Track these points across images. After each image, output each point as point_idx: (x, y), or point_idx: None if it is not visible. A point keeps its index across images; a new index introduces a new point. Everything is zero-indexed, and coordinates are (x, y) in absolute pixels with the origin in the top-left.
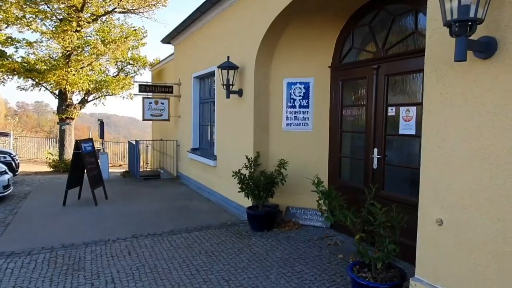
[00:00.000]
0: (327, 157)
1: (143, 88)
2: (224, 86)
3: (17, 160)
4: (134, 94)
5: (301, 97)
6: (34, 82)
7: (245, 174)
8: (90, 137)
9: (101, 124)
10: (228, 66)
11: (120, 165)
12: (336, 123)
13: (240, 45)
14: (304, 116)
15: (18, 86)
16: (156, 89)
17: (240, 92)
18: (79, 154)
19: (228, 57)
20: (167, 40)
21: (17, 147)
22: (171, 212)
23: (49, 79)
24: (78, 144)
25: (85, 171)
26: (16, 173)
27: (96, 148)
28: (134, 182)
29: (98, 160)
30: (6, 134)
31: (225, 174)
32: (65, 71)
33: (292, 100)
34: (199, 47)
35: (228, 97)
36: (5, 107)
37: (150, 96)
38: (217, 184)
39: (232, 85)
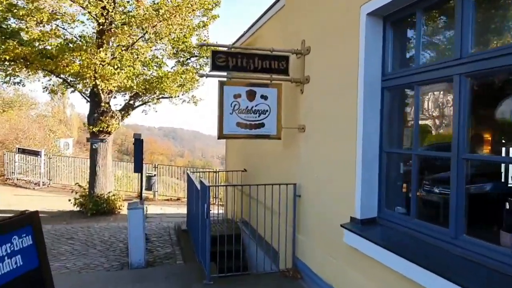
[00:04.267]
0: None
1: (223, 59)
2: None
3: None
4: (206, 75)
5: None
6: (60, 80)
7: None
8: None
9: (137, 141)
10: None
11: (178, 199)
12: None
13: None
14: None
15: (45, 87)
16: (251, 65)
17: None
18: None
19: None
20: None
21: (51, 170)
22: None
23: (65, 68)
24: None
25: None
26: None
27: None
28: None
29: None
30: (36, 153)
31: None
32: (92, 53)
33: None
34: None
35: None
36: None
37: (238, 81)
38: None
39: None
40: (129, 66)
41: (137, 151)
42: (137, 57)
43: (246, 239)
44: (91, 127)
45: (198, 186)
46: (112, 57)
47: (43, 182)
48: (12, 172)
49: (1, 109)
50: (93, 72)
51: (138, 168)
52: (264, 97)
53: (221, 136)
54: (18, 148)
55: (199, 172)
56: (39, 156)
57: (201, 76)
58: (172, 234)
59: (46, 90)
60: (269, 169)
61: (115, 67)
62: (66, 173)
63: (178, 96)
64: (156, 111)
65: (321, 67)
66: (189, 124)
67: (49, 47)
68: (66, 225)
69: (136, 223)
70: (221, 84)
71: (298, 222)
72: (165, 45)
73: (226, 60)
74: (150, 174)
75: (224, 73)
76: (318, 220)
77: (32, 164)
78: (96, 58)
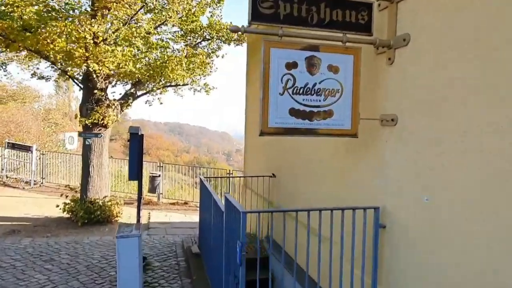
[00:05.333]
0: None
1: (269, 4)
2: None
3: None
4: (242, 30)
5: None
6: (48, 62)
7: None
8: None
9: (134, 137)
10: None
11: (185, 203)
12: None
13: None
14: None
15: (33, 73)
16: (313, 16)
17: None
18: None
19: None
20: None
21: (44, 167)
22: None
23: (49, 44)
24: None
25: None
26: None
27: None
28: None
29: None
30: (27, 148)
31: None
32: (80, 24)
33: None
34: None
35: None
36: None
37: (293, 42)
38: None
39: None
40: (127, 42)
41: (134, 151)
42: (138, 34)
43: (276, 267)
44: (83, 118)
45: (223, 208)
46: (107, 32)
47: (34, 181)
48: (3, 169)
49: (3, 101)
50: (84, 50)
51: (134, 175)
52: (333, 68)
53: (265, 130)
54: (8, 143)
55: (213, 178)
56: (30, 151)
57: (235, 31)
58: (180, 256)
59: (35, 76)
60: (320, 179)
61: (111, 43)
62: (63, 171)
63: (187, 83)
64: (161, 103)
65: (438, 18)
66: (195, 119)
67: (25, 17)
68: (49, 239)
69: (128, 256)
70: (267, 46)
71: (382, 269)
72: (171, 19)
73: (275, 6)
74: (154, 174)
75: (265, 31)
76: (434, 279)
77: (23, 161)
78: (87, 32)
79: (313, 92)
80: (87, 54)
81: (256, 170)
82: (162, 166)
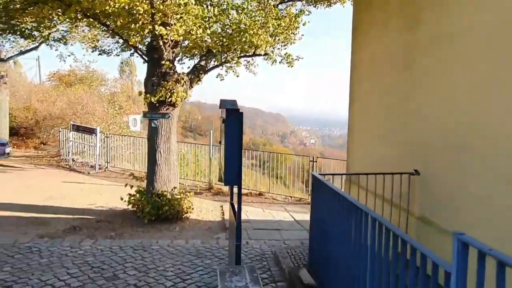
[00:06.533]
0: None
1: None
2: None
3: None
4: None
5: None
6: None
7: None
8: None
9: (231, 112)
10: None
11: (260, 194)
12: None
13: None
14: None
15: (93, 47)
16: None
17: None
18: None
19: None
20: None
21: (109, 151)
22: None
23: (106, 1)
24: None
25: None
26: None
27: None
28: None
29: None
30: (91, 131)
31: None
32: None
33: None
34: None
35: None
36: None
37: None
38: None
39: None
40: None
41: (232, 138)
42: None
43: None
44: (148, 95)
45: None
46: None
47: (99, 166)
48: (68, 152)
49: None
50: (149, 7)
51: (233, 176)
52: None
53: None
54: (72, 125)
55: (329, 175)
56: (94, 134)
57: None
58: (279, 279)
59: (96, 50)
60: None
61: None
62: (127, 154)
63: (267, 53)
64: (237, 75)
65: None
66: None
67: None
68: (113, 243)
69: None
70: None
71: None
72: None
73: None
74: None
75: None
76: None
77: (88, 144)
78: None
79: None
80: (152, 11)
81: (369, 163)
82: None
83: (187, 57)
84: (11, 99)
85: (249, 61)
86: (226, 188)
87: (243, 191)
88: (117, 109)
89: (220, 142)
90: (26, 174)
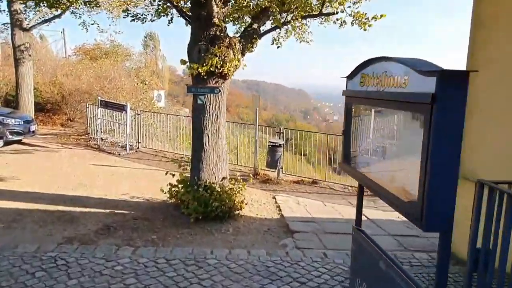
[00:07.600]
0: None
1: None
2: None
3: None
4: None
5: None
6: None
7: None
8: None
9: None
10: None
11: (314, 182)
12: None
13: None
14: None
15: (124, 10)
16: None
17: None
18: None
19: None
20: None
21: (139, 129)
22: None
23: None
24: None
25: None
26: None
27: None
28: None
29: None
30: (121, 108)
31: None
32: None
33: None
34: None
35: None
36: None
37: None
38: None
39: None
40: None
41: (448, 134)
42: None
43: None
44: (194, 65)
45: None
46: None
47: (130, 146)
48: (97, 131)
49: (96, 58)
50: None
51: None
52: None
53: None
54: (100, 101)
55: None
56: (124, 111)
57: None
58: None
59: (127, 16)
60: None
61: None
62: (159, 132)
63: (336, 12)
64: (300, 41)
65: None
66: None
67: None
68: (157, 251)
69: None
70: None
71: None
72: None
73: None
74: (274, 144)
75: None
76: None
77: (117, 122)
78: None
79: None
80: None
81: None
82: (283, 132)
83: (231, 20)
84: (37, 73)
85: (302, 26)
86: (273, 175)
87: (292, 177)
88: (146, 83)
89: (344, 132)
90: (53, 156)
